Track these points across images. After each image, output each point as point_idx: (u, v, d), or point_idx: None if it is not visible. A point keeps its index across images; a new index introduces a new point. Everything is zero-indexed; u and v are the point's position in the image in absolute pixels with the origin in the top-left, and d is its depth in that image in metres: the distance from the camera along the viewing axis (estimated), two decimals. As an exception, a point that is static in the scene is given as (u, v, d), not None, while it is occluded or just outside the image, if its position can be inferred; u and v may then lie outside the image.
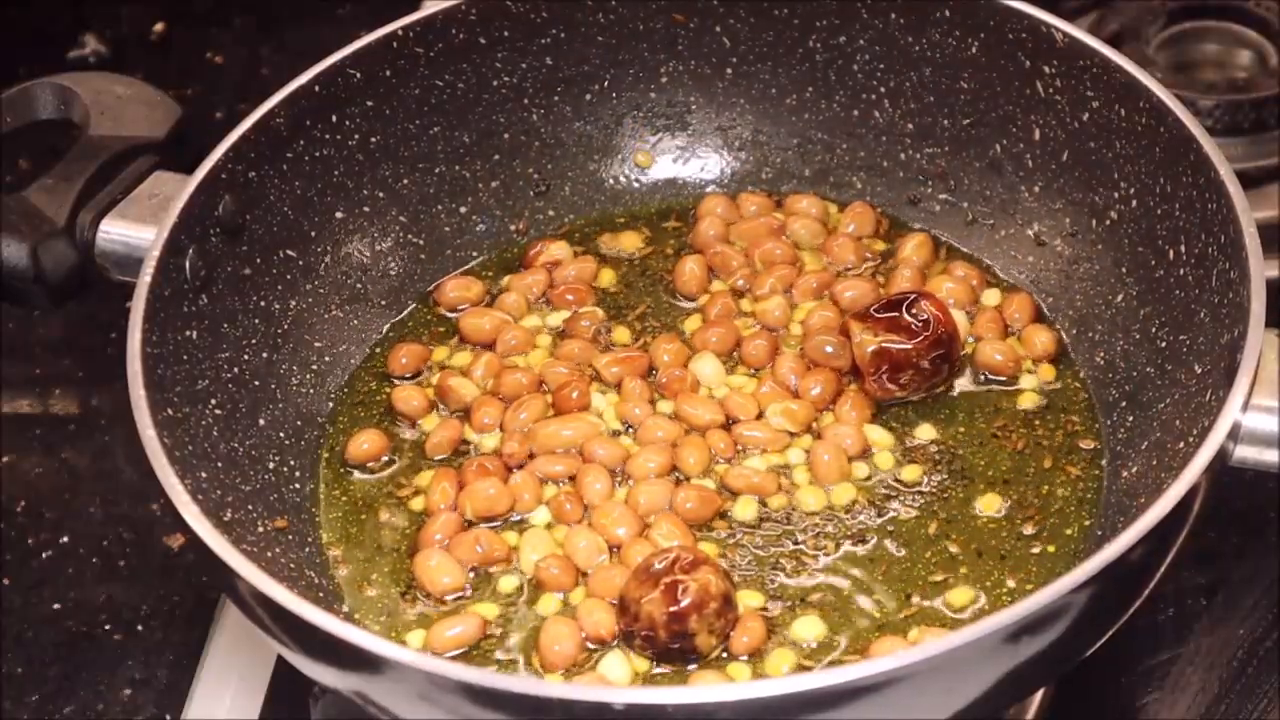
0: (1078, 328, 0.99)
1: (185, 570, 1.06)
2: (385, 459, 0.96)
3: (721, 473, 0.94)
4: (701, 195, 1.08)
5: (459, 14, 1.02)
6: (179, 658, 1.02)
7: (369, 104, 1.01)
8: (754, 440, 0.95)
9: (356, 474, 0.96)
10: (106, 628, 1.04)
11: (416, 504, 0.94)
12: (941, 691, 0.76)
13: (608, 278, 1.05)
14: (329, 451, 0.97)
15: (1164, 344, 0.92)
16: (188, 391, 0.90)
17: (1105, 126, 0.96)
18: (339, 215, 1.02)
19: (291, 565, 0.89)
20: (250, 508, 0.89)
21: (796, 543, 0.91)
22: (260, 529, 0.89)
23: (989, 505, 0.92)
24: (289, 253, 0.99)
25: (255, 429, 0.94)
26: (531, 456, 0.94)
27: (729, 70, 1.07)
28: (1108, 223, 0.98)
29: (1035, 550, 0.90)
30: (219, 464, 0.89)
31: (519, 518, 0.93)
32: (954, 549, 0.90)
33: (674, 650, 0.85)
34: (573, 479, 0.93)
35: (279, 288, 0.99)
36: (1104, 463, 0.93)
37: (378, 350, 1.02)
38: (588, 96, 1.08)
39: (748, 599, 0.88)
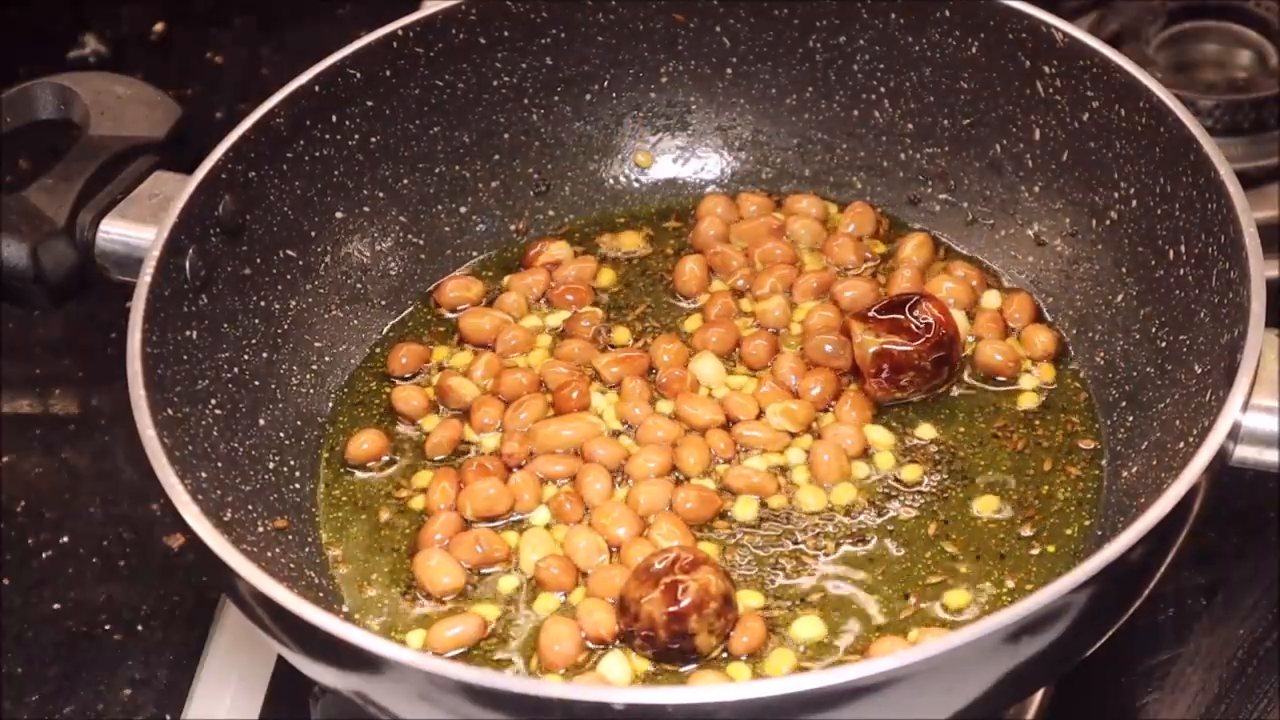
0: (1078, 328, 0.99)
1: (185, 570, 1.06)
2: (385, 459, 0.96)
3: (721, 473, 0.94)
4: (701, 195, 1.08)
5: (459, 14, 1.02)
6: (179, 658, 1.02)
7: (369, 104, 1.01)
8: (754, 440, 0.95)
9: (356, 474, 0.96)
10: (106, 628, 1.04)
11: (416, 504, 0.94)
12: (941, 691, 0.76)
13: (608, 278, 1.05)
14: (329, 451, 0.97)
15: (1164, 344, 0.92)
16: (188, 391, 0.90)
17: (1105, 126, 0.96)
18: (339, 215, 1.02)
19: (291, 565, 0.89)
20: (250, 508, 0.89)
21: (796, 543, 0.91)
22: (260, 529, 0.89)
23: (989, 505, 0.92)
24: (289, 253, 0.99)
25: (255, 429, 0.94)
26: (531, 456, 0.94)
27: (729, 70, 1.07)
28: (1108, 223, 0.98)
29: (1035, 550, 0.90)
30: (219, 464, 0.89)
31: (519, 518, 0.93)
32: (954, 549, 0.90)
33: (674, 650, 0.85)
34: (573, 479, 0.94)
35: (279, 288, 0.99)
36: (1104, 463, 0.93)
37: (378, 350, 1.02)
38: (588, 96, 1.08)
39: (748, 599, 0.88)
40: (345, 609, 0.90)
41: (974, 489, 0.93)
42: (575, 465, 0.94)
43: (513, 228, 1.07)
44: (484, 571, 0.90)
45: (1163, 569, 0.81)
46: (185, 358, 0.91)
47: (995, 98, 1.01)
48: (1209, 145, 0.89)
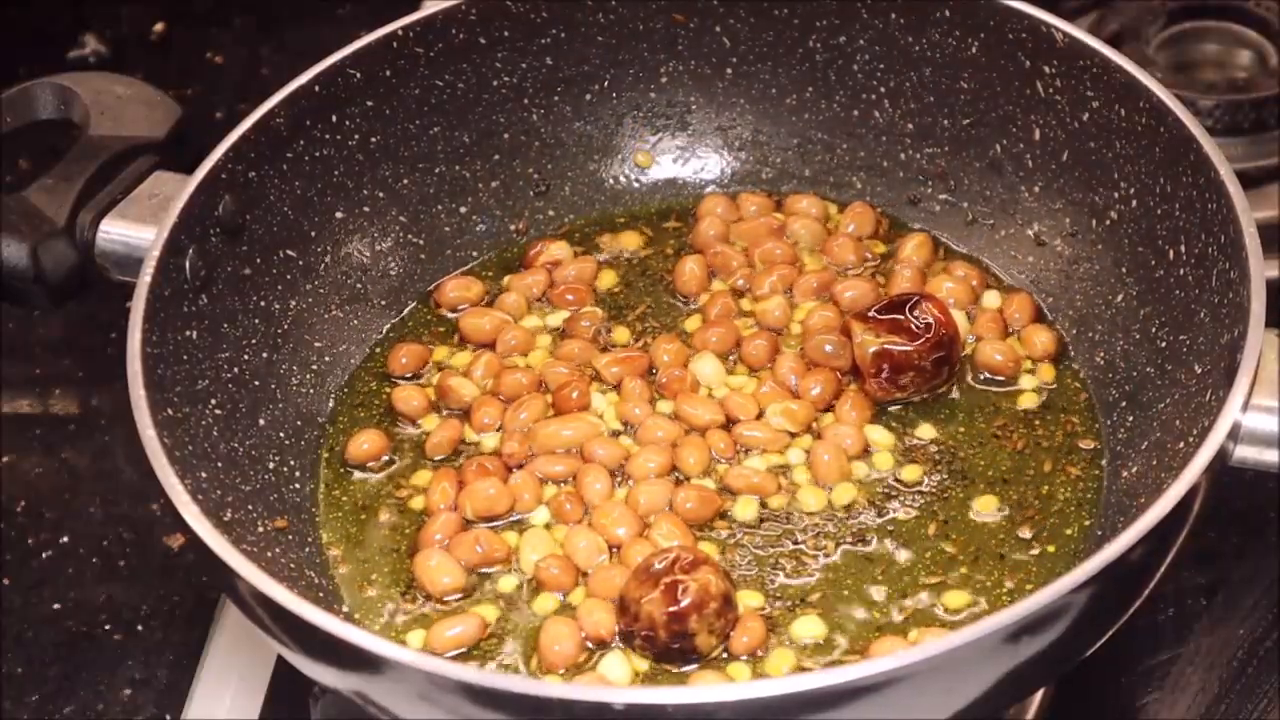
0: (1078, 328, 0.99)
1: (185, 570, 1.06)
2: (385, 459, 0.96)
3: (721, 473, 0.94)
4: (701, 195, 1.08)
5: (459, 14, 1.02)
6: (179, 658, 1.02)
7: (369, 104, 1.01)
8: (754, 440, 0.95)
9: (356, 474, 0.96)
10: (106, 628, 1.04)
11: (416, 504, 0.94)
12: (941, 691, 0.76)
13: (608, 278, 1.05)
14: (329, 451, 0.97)
15: (1164, 344, 0.92)
16: (188, 391, 0.90)
17: (1105, 126, 0.96)
18: (339, 215, 1.02)
19: (291, 565, 0.89)
20: (250, 508, 0.89)
21: (796, 543, 0.91)
22: (260, 529, 0.89)
23: (989, 506, 0.92)
24: (289, 253, 0.99)
25: (255, 429, 0.94)
26: (531, 456, 0.94)
27: (729, 70, 1.07)
28: (1108, 223, 0.98)
29: (1035, 551, 0.90)
30: (219, 464, 0.89)
31: (519, 518, 0.93)
32: (953, 549, 0.90)
33: (674, 650, 0.85)
34: (573, 479, 0.94)
35: (279, 288, 0.99)
36: (1104, 463, 0.93)
37: (378, 350, 1.02)
38: (588, 96, 1.08)
39: (748, 599, 0.88)
40: (345, 609, 0.90)
41: (974, 489, 0.93)
42: (575, 465, 0.94)
43: (513, 228, 1.07)
44: (484, 571, 0.90)
45: (1163, 569, 0.81)
46: (185, 358, 0.91)
47: (995, 98, 1.01)
48: (1209, 145, 0.89)
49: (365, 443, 0.96)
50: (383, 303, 1.03)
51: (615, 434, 0.96)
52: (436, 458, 0.96)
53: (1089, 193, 0.98)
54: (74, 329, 1.20)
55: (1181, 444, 0.85)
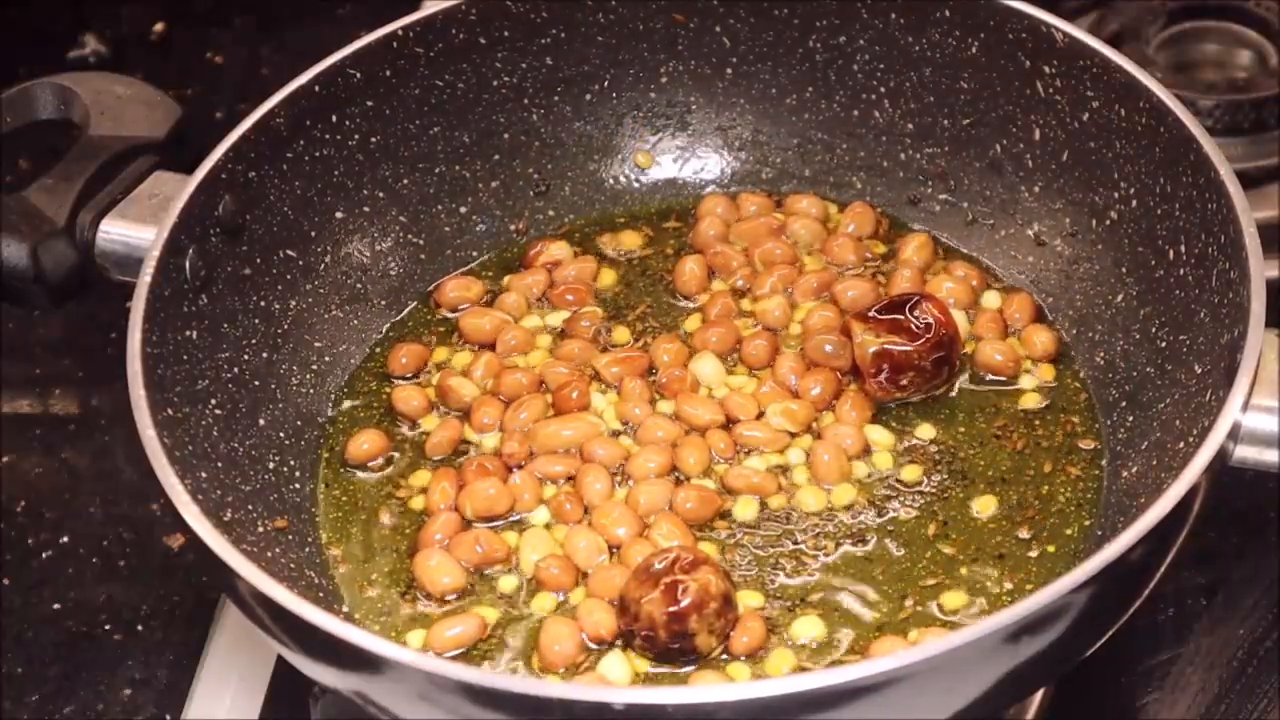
0: (1078, 328, 0.99)
1: (185, 570, 1.06)
2: (385, 459, 0.96)
3: (721, 473, 0.94)
4: (701, 195, 1.08)
5: (459, 14, 1.02)
6: (179, 658, 1.02)
7: (369, 104, 1.01)
8: (754, 440, 0.95)
9: (356, 474, 0.96)
10: (106, 628, 1.04)
11: (416, 504, 0.94)
12: (941, 691, 0.76)
13: (608, 278, 1.05)
14: (329, 451, 0.97)
15: (1164, 344, 0.92)
16: (188, 391, 0.90)
17: (1105, 126, 0.96)
18: (339, 215, 1.02)
19: (291, 565, 0.89)
20: (250, 508, 0.89)
21: (796, 543, 0.91)
22: (260, 529, 0.89)
23: (988, 506, 0.92)
24: (289, 253, 0.99)
25: (255, 429, 0.94)
26: (531, 456, 0.94)
27: (729, 70, 1.07)
28: (1108, 223, 0.98)
29: (1035, 551, 0.90)
30: (219, 464, 0.89)
31: (519, 518, 0.93)
32: (953, 550, 0.90)
33: (674, 650, 0.85)
34: (573, 479, 0.93)
35: (279, 288, 0.99)
36: (1104, 463, 0.93)
37: (378, 350, 1.02)
38: (588, 96, 1.08)
39: (748, 599, 0.88)
40: (345, 609, 0.90)
41: (974, 489, 0.93)
42: (575, 465, 0.94)
43: (513, 228, 1.07)
44: (484, 572, 0.90)
45: (1163, 569, 0.81)
46: (185, 358, 0.91)
47: (995, 98, 1.01)
48: (1209, 145, 0.89)
49: (365, 443, 0.96)
50: (383, 303, 1.03)
51: (615, 434, 0.96)
52: (436, 458, 0.96)
53: (1089, 193, 0.98)
54: (74, 329, 1.20)
55: (1181, 444, 0.85)
